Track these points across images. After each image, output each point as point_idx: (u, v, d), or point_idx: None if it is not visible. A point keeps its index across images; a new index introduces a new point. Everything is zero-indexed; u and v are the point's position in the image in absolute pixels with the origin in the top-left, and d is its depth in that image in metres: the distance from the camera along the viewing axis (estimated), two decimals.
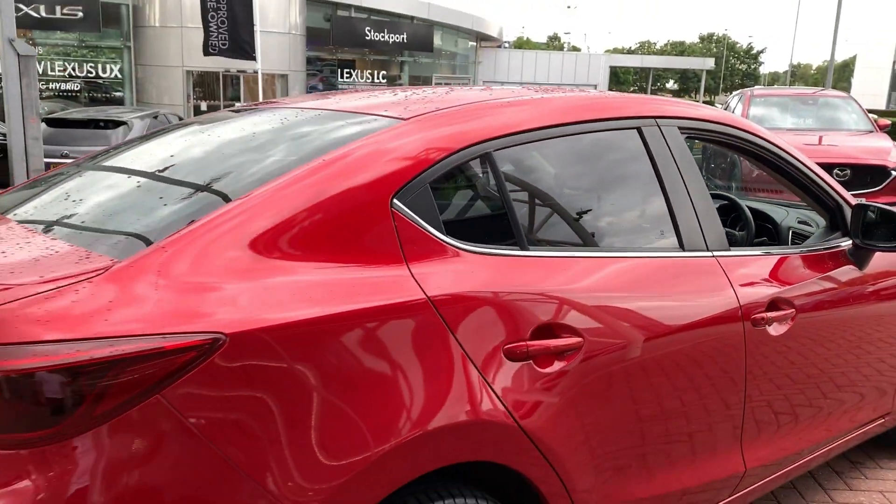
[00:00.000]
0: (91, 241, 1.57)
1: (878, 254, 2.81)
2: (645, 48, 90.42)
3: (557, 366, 1.80)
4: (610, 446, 1.93)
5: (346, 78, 26.73)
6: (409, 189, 1.73)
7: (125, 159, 2.23)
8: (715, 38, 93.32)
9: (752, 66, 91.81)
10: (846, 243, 2.77)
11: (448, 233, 1.76)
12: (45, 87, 20.28)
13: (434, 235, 1.73)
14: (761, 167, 2.78)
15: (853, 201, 2.81)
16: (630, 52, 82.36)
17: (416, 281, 1.64)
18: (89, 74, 21.77)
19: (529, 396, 1.74)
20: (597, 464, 1.89)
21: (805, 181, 2.77)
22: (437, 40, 29.16)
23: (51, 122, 10.93)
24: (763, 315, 2.31)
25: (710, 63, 52.73)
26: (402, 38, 26.77)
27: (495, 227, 1.92)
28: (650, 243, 2.24)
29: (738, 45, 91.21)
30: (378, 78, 27.50)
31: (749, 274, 2.36)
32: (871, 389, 2.88)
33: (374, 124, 1.89)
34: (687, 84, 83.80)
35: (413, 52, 28.62)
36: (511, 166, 1.98)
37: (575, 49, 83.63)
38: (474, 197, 1.98)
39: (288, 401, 1.42)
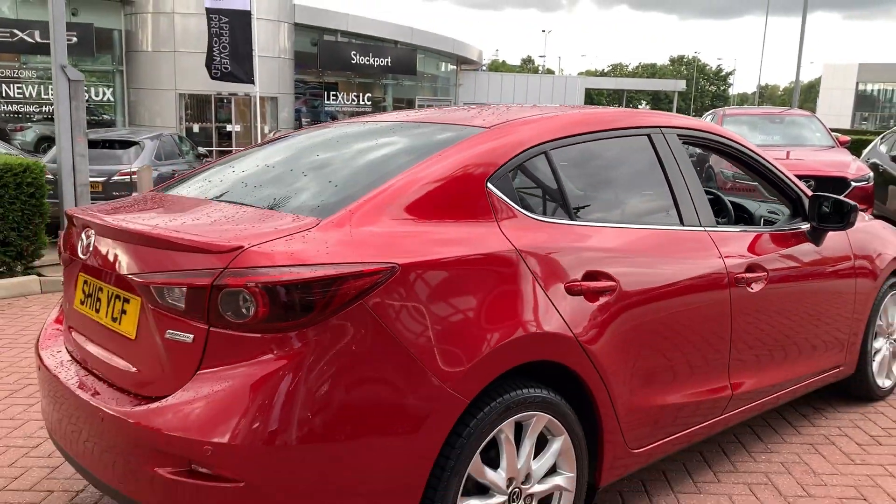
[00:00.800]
0: (296, 208, 2.29)
1: (829, 234, 3.60)
2: (617, 70, 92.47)
3: (600, 300, 2.54)
4: (634, 359, 2.65)
5: (333, 100, 27.46)
6: (496, 176, 2.48)
7: (282, 151, 2.97)
8: (685, 60, 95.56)
9: (722, 88, 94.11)
10: (805, 226, 3.56)
11: (522, 206, 2.50)
12: (38, 110, 20.75)
13: (514, 208, 2.47)
14: (739, 167, 3.58)
15: (810, 193, 3.61)
16: (603, 74, 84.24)
17: (507, 237, 2.37)
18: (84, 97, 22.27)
19: (581, 319, 2.47)
20: (625, 369, 2.62)
21: (773, 177, 3.57)
22: (420, 64, 30.05)
23: None
24: (742, 275, 3.08)
25: (681, 85, 54.37)
26: (387, 62, 27.60)
27: (552, 203, 2.66)
28: (659, 220, 2.99)
29: (708, 68, 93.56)
30: (363, 100, 28.27)
31: (731, 245, 3.12)
32: (826, 343, 3.65)
33: (465, 131, 2.63)
34: (658, 105, 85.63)
35: (396, 75, 29.47)
36: (561, 160, 2.73)
37: (549, 72, 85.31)
38: (538, 182, 2.70)
39: (437, 308, 2.14)
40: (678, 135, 3.15)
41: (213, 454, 1.94)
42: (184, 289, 2.04)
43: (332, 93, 27.44)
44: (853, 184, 9.66)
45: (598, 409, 2.55)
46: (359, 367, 2.03)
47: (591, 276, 2.53)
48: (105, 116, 22.72)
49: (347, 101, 27.98)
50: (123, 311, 2.29)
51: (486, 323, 2.23)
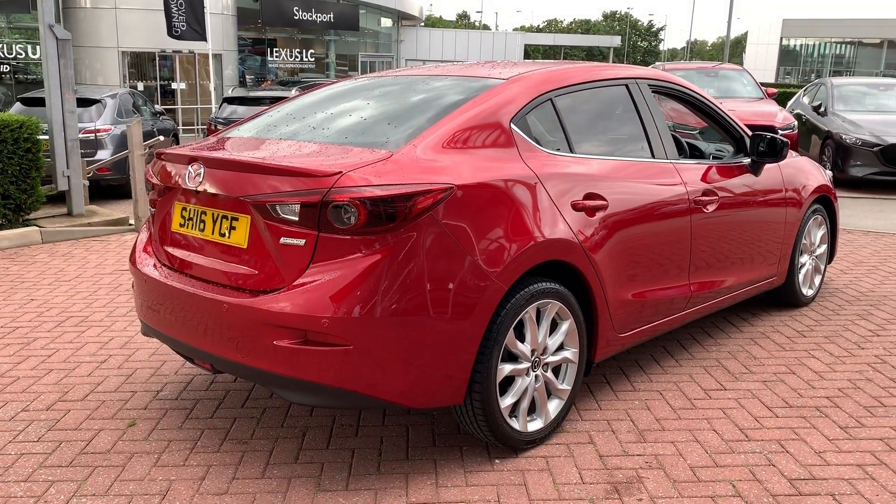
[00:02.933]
0: (368, 144, 2.92)
1: (766, 168, 4.40)
2: (552, 26, 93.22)
3: (596, 215, 3.25)
4: (620, 261, 3.39)
5: (276, 56, 27.41)
6: (516, 118, 3.15)
7: (331, 99, 3.58)
8: (618, 16, 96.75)
9: (653, 44, 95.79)
10: (746, 160, 4.35)
11: (536, 142, 3.19)
12: None
13: (530, 142, 3.15)
14: (693, 111, 4.33)
15: (750, 132, 4.39)
16: (539, 30, 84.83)
17: (528, 166, 3.06)
18: (19, 56, 21.78)
19: (583, 229, 3.18)
20: (614, 269, 3.35)
21: (721, 120, 4.34)
22: (362, 20, 30.12)
23: (25, 102, 11.66)
24: (699, 198, 3.84)
25: (616, 41, 55.47)
26: (329, 18, 27.64)
27: (557, 139, 3.35)
28: (636, 153, 3.71)
29: (640, 23, 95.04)
30: (306, 56, 28.28)
31: (690, 174, 3.88)
32: (763, 257, 4.48)
33: (489, 82, 3.29)
34: (592, 60, 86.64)
35: (339, 31, 29.51)
36: (564, 105, 3.41)
37: (486, 27, 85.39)
38: (546, 122, 3.37)
39: (482, 218, 2.82)
40: (649, 84, 3.88)
41: (329, 325, 2.59)
42: (298, 205, 2.66)
43: (275, 49, 27.37)
44: (780, 131, 10.66)
45: (595, 300, 3.29)
46: (431, 261, 2.70)
47: (589, 196, 3.25)
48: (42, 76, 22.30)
49: (290, 57, 27.95)
50: (232, 228, 2.90)
51: (517, 229, 2.92)
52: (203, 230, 3.03)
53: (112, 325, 4.72)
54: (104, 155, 10.84)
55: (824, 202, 5.11)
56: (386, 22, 34.64)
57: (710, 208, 3.92)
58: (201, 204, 3.03)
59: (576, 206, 3.18)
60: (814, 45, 73.72)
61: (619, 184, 3.43)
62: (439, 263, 2.72)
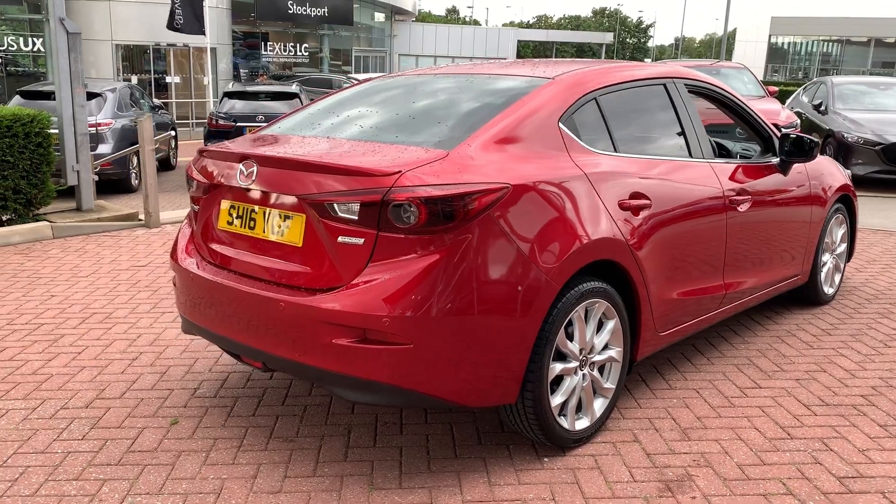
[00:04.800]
0: (422, 142, 2.91)
1: (793, 167, 4.44)
2: (542, 22, 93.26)
3: (640, 214, 3.27)
4: (662, 261, 3.41)
5: (269, 51, 27.27)
6: (563, 117, 3.16)
7: (375, 97, 3.57)
8: (607, 12, 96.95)
9: (642, 40, 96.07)
10: (775, 160, 4.38)
11: (583, 141, 3.20)
12: None
13: (578, 142, 3.16)
14: (724, 110, 4.35)
15: (778, 133, 4.42)
16: (529, 25, 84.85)
17: (577, 165, 3.07)
18: (10, 48, 21.57)
19: (629, 229, 3.20)
20: (656, 269, 3.37)
21: (750, 119, 4.36)
22: (355, 14, 30.00)
23: (25, 95, 11.56)
24: (734, 198, 3.87)
25: (608, 37, 55.56)
26: (324, 12, 27.51)
27: (602, 138, 3.35)
28: (675, 152, 3.73)
29: (630, 20, 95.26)
30: (300, 51, 28.17)
31: (725, 174, 3.90)
32: (790, 255, 4.51)
33: (536, 81, 3.29)
34: (582, 57, 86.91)
35: (333, 25, 29.38)
36: (607, 104, 3.42)
37: (476, 23, 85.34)
38: (591, 121, 3.37)
39: (537, 217, 2.82)
40: (685, 84, 3.89)
41: (389, 324, 2.59)
42: (357, 204, 2.66)
43: (269, 43, 27.23)
44: (783, 130, 10.71)
45: (639, 299, 3.30)
46: (488, 260, 2.70)
47: (635, 195, 3.26)
48: (40, 68, 22.06)
49: (284, 51, 27.83)
50: (286, 226, 2.89)
51: (569, 229, 2.93)
52: (253, 228, 3.02)
53: (137, 322, 4.69)
54: (105, 149, 10.77)
55: (845, 201, 5.15)
56: (379, 16, 34.54)
57: (743, 207, 3.95)
58: (252, 202, 3.02)
59: (622, 206, 3.19)
60: (802, 43, 74.15)
61: (661, 183, 3.44)
62: (496, 263, 2.72)
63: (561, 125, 3.13)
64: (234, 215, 3.11)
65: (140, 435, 3.24)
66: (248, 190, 3.01)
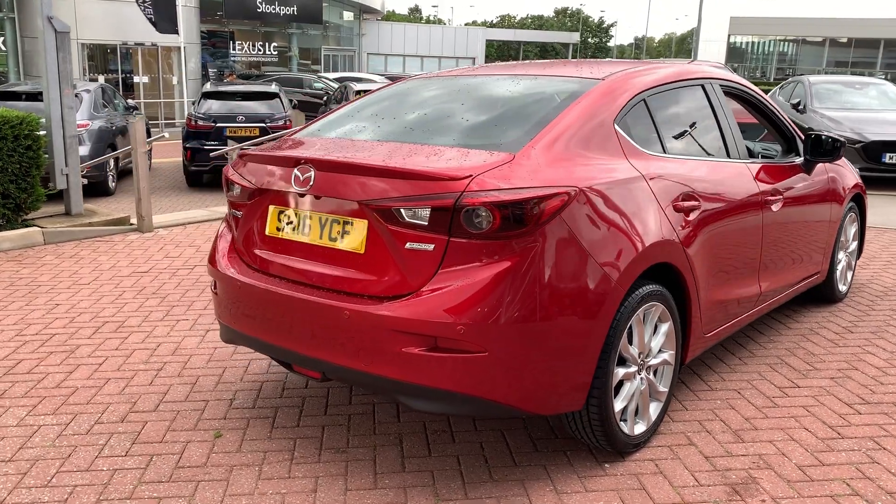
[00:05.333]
0: (484, 146, 2.85)
1: (816, 166, 4.47)
2: (505, 22, 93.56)
3: (691, 216, 3.25)
4: (709, 262, 3.40)
5: (238, 50, 26.90)
6: (618, 118, 3.12)
7: (421, 97, 3.49)
8: (569, 12, 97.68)
9: (604, 40, 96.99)
10: (798, 159, 4.40)
11: (636, 142, 3.17)
12: None
13: (632, 143, 3.13)
14: (753, 111, 4.36)
15: (802, 134, 4.46)
16: (493, 25, 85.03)
17: (634, 167, 3.04)
18: None
19: (682, 230, 3.18)
20: (705, 270, 3.36)
21: (776, 120, 4.38)
22: (324, 13, 29.75)
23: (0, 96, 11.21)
24: (768, 198, 3.88)
25: (575, 37, 56.01)
26: (293, 10, 27.23)
27: (652, 140, 3.32)
28: (716, 153, 3.72)
29: (591, 20, 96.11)
30: (269, 50, 27.83)
31: (759, 174, 3.91)
32: (812, 254, 4.55)
33: (586, 82, 3.25)
34: (545, 58, 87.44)
35: (302, 24, 29.09)
36: (655, 105, 3.39)
37: (440, 22, 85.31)
38: (641, 123, 3.34)
39: (603, 221, 2.78)
40: (720, 85, 3.89)
41: (465, 331, 2.53)
42: (428, 209, 2.59)
43: (238, 42, 26.85)
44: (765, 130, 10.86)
45: (690, 302, 3.29)
46: (559, 265, 2.65)
47: (686, 197, 3.24)
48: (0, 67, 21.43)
49: (253, 50, 27.47)
50: (345, 232, 2.81)
51: (632, 232, 2.90)
52: (308, 234, 2.93)
53: (153, 331, 4.55)
54: (83, 151, 10.46)
55: (857, 199, 5.22)
56: (348, 15, 34.28)
57: (776, 207, 3.96)
58: (306, 208, 2.93)
59: (676, 208, 3.17)
60: (760, 43, 75.56)
61: (707, 184, 3.43)
62: (566, 268, 2.68)
63: (616, 126, 3.09)
64: (285, 221, 3.01)
65: (185, 449, 3.13)
66: (303, 195, 2.91)
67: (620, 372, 2.97)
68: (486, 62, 44.33)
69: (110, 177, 12.23)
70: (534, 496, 2.81)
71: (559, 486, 2.87)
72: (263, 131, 12.59)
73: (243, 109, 12.98)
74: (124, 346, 4.29)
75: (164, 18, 16.62)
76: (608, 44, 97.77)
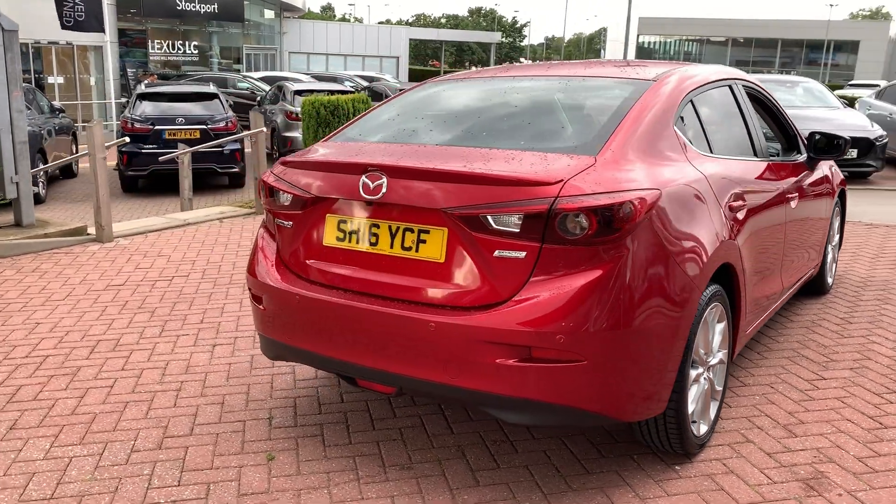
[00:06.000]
0: (560, 149, 2.78)
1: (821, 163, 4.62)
2: (421, 20, 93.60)
3: (738, 215, 3.28)
4: (754, 260, 3.44)
5: (157, 49, 25.90)
6: (675, 118, 3.12)
7: (465, 98, 3.40)
8: (483, 11, 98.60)
9: (517, 40, 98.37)
10: (802, 157, 4.53)
11: (690, 143, 3.17)
12: None
13: (689, 145, 3.13)
14: (759, 109, 4.46)
15: (804, 133, 4.59)
16: (409, 24, 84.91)
17: (696, 168, 3.04)
18: None
19: (736, 230, 3.20)
20: (751, 268, 3.40)
21: (782, 119, 4.49)
22: (245, 11, 29.00)
23: None
24: (788, 195, 3.97)
25: (496, 37, 56.45)
26: (213, 8, 26.43)
27: (701, 140, 3.34)
28: (748, 152, 3.77)
29: (505, 19, 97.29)
30: (189, 49, 26.92)
31: (780, 172, 3.99)
32: (813, 249, 4.69)
33: (641, 84, 3.22)
34: (462, 57, 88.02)
35: (223, 22, 28.26)
36: (700, 106, 3.41)
37: (357, 20, 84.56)
38: (691, 124, 3.34)
39: (681, 222, 2.77)
40: (743, 85, 3.95)
41: (564, 340, 2.46)
42: (520, 215, 2.51)
43: (157, 41, 25.85)
44: None
45: (739, 301, 3.32)
46: (648, 269, 2.62)
47: (736, 196, 3.27)
48: None
49: (172, 50, 26.51)
50: (421, 241, 2.69)
51: (705, 234, 2.90)
52: (376, 244, 2.80)
53: (155, 349, 4.29)
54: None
55: (841, 195, 5.42)
56: (269, 13, 33.51)
57: (793, 205, 4.06)
58: (374, 216, 2.80)
59: (731, 208, 3.19)
60: (667, 43, 78.25)
61: (749, 183, 3.48)
62: (655, 271, 2.65)
63: (675, 127, 3.09)
64: (348, 230, 2.87)
65: (241, 475, 2.95)
66: (371, 203, 2.78)
67: (692, 374, 2.97)
68: (419, 62, 44.21)
69: (41, 184, 11.57)
70: (618, 503, 2.78)
71: (640, 492, 2.84)
72: (205, 133, 12.19)
73: (182, 111, 12.51)
74: (130, 367, 4.03)
75: (91, 16, 15.79)
76: (521, 43, 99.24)
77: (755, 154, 3.83)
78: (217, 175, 12.72)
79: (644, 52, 75.99)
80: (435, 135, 3.12)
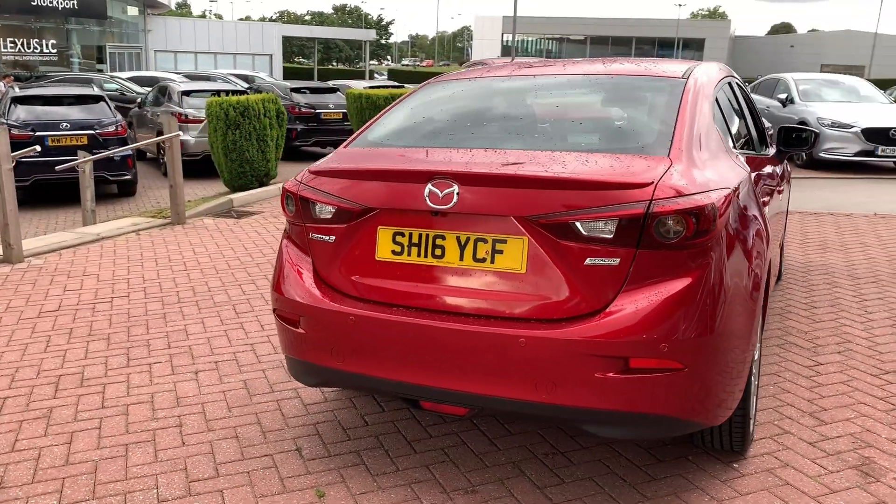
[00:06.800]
0: (628, 149, 2.68)
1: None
2: (284, 17, 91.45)
3: (765, 209, 3.33)
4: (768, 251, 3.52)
5: (10, 48, 23.84)
6: (714, 116, 3.10)
7: (500, 100, 3.25)
8: (348, 9, 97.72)
9: (383, 38, 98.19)
10: (772, 151, 4.69)
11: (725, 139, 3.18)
12: None
13: (726, 140, 3.13)
14: (740, 105, 4.57)
15: (771, 127, 4.76)
16: (273, 20, 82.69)
17: (736, 163, 3.04)
18: None
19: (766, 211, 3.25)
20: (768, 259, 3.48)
21: (755, 114, 4.63)
22: (108, 7, 27.23)
23: None
24: (778, 189, 4.09)
25: (372, 34, 55.88)
26: (73, 4, 24.64)
27: (727, 136, 3.34)
28: (752, 147, 3.84)
29: (370, 17, 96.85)
30: (47, 48, 24.96)
31: (769, 163, 4.11)
32: (780, 236, 4.88)
33: (675, 82, 3.16)
34: (329, 54, 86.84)
35: (82, 19, 26.38)
36: (720, 103, 3.41)
37: (218, 17, 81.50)
38: (718, 120, 3.33)
39: (746, 218, 2.76)
40: (735, 82, 4.03)
41: (668, 349, 2.38)
42: (613, 220, 2.40)
43: (10, 39, 23.78)
44: None
45: (766, 294, 3.37)
46: (732, 268, 2.59)
47: (763, 192, 3.32)
48: None
49: (28, 48, 24.50)
50: (497, 251, 2.53)
51: (762, 230, 2.93)
52: (441, 257, 2.61)
53: (130, 380, 3.87)
54: None
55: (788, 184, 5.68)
56: (132, 10, 31.58)
57: (779, 197, 4.19)
58: (438, 227, 2.60)
59: (763, 203, 3.23)
60: (529, 41, 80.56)
61: (766, 177, 3.56)
62: (737, 271, 2.63)
63: (716, 124, 3.08)
64: (406, 243, 2.66)
65: None
66: (437, 213, 2.59)
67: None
68: (283, 60, 43.07)
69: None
70: None
71: (713, 493, 2.82)
72: (93, 139, 11.29)
73: (64, 115, 11.52)
74: (111, 403, 3.60)
75: None
76: (388, 41, 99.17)
77: (755, 149, 3.91)
78: (107, 183, 11.82)
79: (509, 51, 77.76)
80: (486, 139, 2.95)
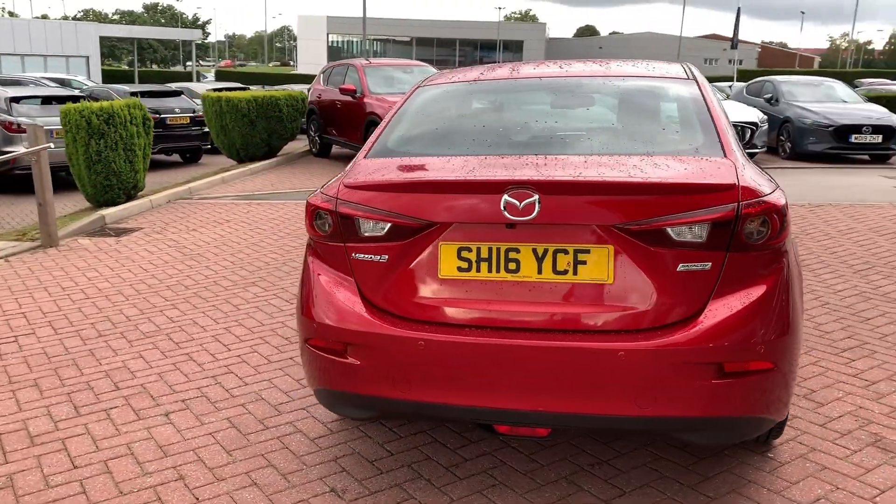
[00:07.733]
0: (678, 151, 2.65)
1: None
2: (90, 16, 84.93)
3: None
4: None
5: None
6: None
7: (524, 104, 3.12)
8: (160, 7, 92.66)
9: (203, 38, 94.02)
10: None
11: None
12: None
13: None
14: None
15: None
16: (77, 19, 76.55)
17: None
18: None
19: None
20: None
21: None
22: None
23: None
24: None
25: (198, 34, 53.02)
26: None
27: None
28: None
29: (185, 16, 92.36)
30: None
31: None
32: None
33: (685, 82, 3.19)
34: (142, 54, 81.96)
35: None
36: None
37: (12, 15, 74.32)
38: None
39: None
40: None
41: (764, 351, 2.38)
42: (705, 224, 2.36)
43: None
44: None
45: None
46: (795, 267, 2.65)
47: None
48: None
49: None
50: (579, 262, 2.41)
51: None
52: (516, 271, 2.46)
53: (91, 432, 3.36)
54: None
55: None
56: None
57: None
58: (513, 240, 2.45)
59: None
60: (355, 42, 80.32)
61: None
62: (797, 269, 2.73)
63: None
64: (474, 259, 2.48)
65: None
66: (512, 226, 2.43)
67: None
68: (102, 61, 39.85)
69: None
70: (764, 502, 2.77)
71: (768, 485, 2.87)
72: None
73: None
74: (81, 461, 3.10)
75: None
76: (206, 41, 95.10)
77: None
78: None
79: (334, 52, 77.16)
80: (532, 146, 2.82)
